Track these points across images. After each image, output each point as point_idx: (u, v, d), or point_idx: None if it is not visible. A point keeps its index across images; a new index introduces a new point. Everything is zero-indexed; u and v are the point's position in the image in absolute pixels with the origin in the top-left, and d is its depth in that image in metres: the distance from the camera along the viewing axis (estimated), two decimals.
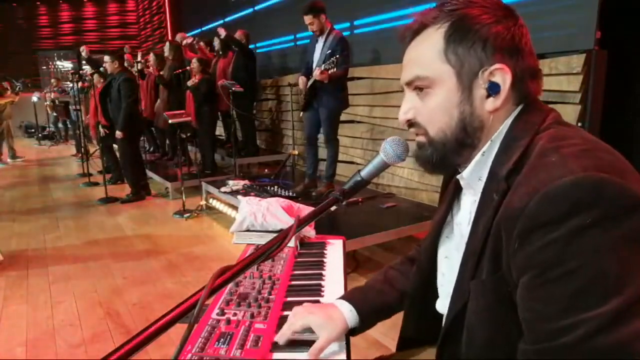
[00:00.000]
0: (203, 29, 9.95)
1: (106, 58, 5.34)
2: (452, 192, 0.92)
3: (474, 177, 0.79)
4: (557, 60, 3.02)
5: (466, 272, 0.76)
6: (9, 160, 9.04)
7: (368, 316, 0.99)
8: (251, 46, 6.41)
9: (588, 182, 0.59)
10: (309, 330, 0.92)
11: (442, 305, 0.91)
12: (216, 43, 6.54)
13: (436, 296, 0.94)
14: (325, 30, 4.03)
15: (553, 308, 0.60)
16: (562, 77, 3.00)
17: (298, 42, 6.31)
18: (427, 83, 0.77)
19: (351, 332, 0.98)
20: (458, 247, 0.85)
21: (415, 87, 0.80)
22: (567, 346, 0.59)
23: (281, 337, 0.93)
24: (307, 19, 3.99)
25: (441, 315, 0.90)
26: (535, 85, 0.77)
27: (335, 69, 3.77)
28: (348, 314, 0.97)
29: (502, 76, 0.74)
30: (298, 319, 0.94)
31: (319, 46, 4.12)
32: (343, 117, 5.20)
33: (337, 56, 3.78)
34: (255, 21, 7.43)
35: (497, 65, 0.73)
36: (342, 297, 1.02)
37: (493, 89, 0.74)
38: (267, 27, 7.02)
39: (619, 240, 0.58)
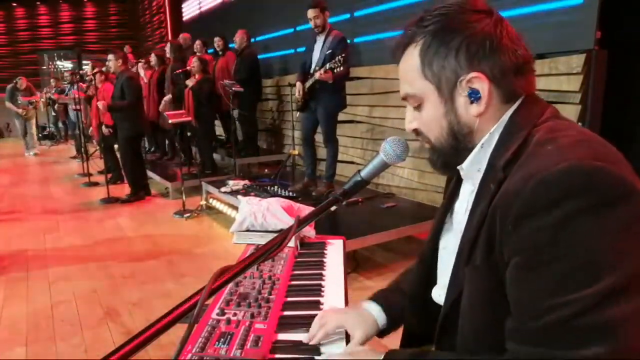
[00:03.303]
0: (202, 9, 9.93)
1: (110, 56, 5.30)
2: (453, 184, 0.95)
3: (473, 168, 0.82)
4: (557, 60, 3.02)
5: (461, 260, 0.78)
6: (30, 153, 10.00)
7: (395, 315, 1.03)
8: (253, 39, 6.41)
9: (582, 170, 0.61)
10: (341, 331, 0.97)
11: (438, 294, 0.94)
12: (217, 45, 6.54)
13: None
14: (325, 29, 4.04)
15: (542, 288, 0.62)
16: (562, 77, 3.00)
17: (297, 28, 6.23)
18: (416, 99, 0.82)
19: (380, 334, 1.02)
20: (454, 236, 0.88)
21: (410, 102, 0.85)
22: (553, 325, 0.61)
23: (312, 338, 0.96)
24: (313, 12, 3.98)
25: (440, 306, 0.92)
26: (523, 80, 0.78)
27: (341, 68, 3.76)
28: (378, 313, 1.02)
29: (480, 82, 0.76)
30: (330, 319, 0.97)
31: (317, 46, 4.11)
32: (343, 117, 5.21)
33: (343, 55, 3.78)
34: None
35: (471, 74, 0.76)
36: (370, 299, 1.06)
37: (474, 96, 0.77)
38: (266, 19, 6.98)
39: (611, 226, 0.60)
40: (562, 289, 0.60)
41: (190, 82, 5.56)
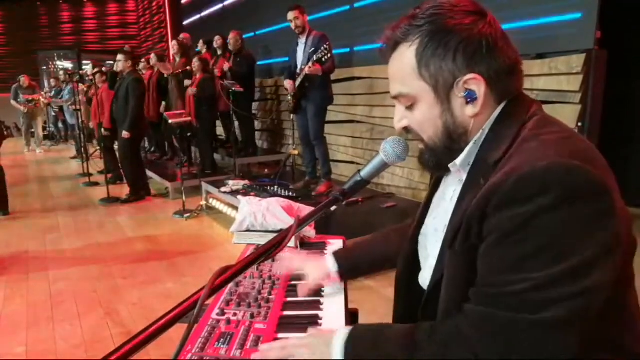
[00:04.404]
0: (202, 14, 9.93)
1: (120, 56, 5.26)
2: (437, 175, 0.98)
3: (464, 163, 0.84)
4: (557, 60, 3.02)
5: (446, 245, 0.82)
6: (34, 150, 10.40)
7: (347, 270, 1.18)
8: (249, 34, 6.42)
9: (560, 168, 0.67)
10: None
11: (423, 277, 0.97)
12: (216, 44, 6.54)
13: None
14: (306, 31, 4.24)
15: (506, 264, 0.70)
16: (562, 77, 3.00)
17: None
18: (410, 99, 0.83)
19: (342, 280, 1.19)
20: (433, 222, 0.94)
21: (402, 101, 0.85)
22: (506, 293, 0.69)
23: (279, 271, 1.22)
24: (294, 13, 4.17)
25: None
26: (514, 80, 0.81)
27: (328, 55, 3.93)
28: (332, 266, 1.18)
29: (477, 84, 0.77)
30: (295, 261, 1.21)
31: (300, 48, 4.29)
32: (343, 117, 5.22)
33: (328, 43, 3.96)
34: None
35: (469, 76, 0.77)
36: (332, 253, 1.21)
37: (470, 97, 0.78)
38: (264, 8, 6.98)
39: (576, 220, 0.66)
40: (523, 267, 0.68)
41: (190, 90, 5.55)
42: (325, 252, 1.49)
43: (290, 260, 1.22)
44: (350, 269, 1.19)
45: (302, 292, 1.13)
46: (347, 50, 5.21)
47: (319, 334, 0.88)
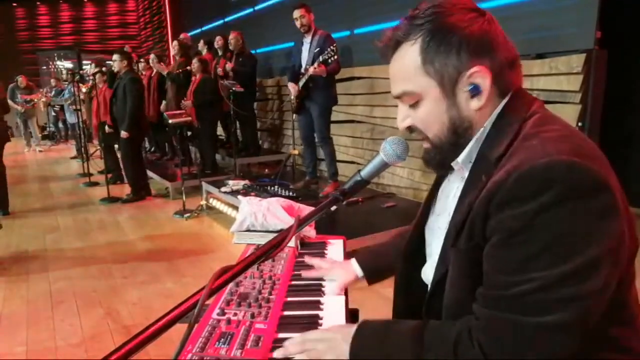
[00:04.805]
0: (203, 29, 9.93)
1: (115, 56, 5.30)
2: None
3: (466, 160, 0.84)
4: (557, 60, 3.02)
5: (448, 242, 0.82)
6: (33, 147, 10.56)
7: (371, 272, 1.22)
8: (252, 52, 6.44)
9: (561, 165, 0.67)
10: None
11: (425, 273, 0.98)
12: (217, 44, 6.54)
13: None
14: (311, 30, 4.19)
15: (511, 265, 0.70)
16: (562, 77, 3.00)
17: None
18: (415, 96, 0.83)
19: (368, 283, 1.24)
20: (437, 219, 0.95)
21: (405, 100, 0.85)
22: (513, 295, 0.70)
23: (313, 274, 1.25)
24: (300, 11, 4.13)
25: (425, 286, 0.96)
26: (515, 74, 0.82)
27: (335, 57, 3.90)
28: (357, 269, 1.22)
29: (481, 77, 0.78)
30: (324, 270, 1.25)
31: (305, 47, 4.25)
32: (343, 117, 5.22)
33: (334, 45, 3.93)
34: (255, 21, 7.42)
35: (474, 69, 0.78)
36: (355, 258, 1.26)
37: (475, 90, 0.79)
38: (266, 27, 7.01)
39: (579, 217, 0.66)
40: (528, 267, 0.68)
41: (186, 103, 5.56)
42: (325, 252, 1.49)
43: (317, 269, 1.26)
44: (374, 273, 1.22)
45: (331, 291, 1.17)
46: (348, 32, 5.17)
47: (340, 329, 0.88)
